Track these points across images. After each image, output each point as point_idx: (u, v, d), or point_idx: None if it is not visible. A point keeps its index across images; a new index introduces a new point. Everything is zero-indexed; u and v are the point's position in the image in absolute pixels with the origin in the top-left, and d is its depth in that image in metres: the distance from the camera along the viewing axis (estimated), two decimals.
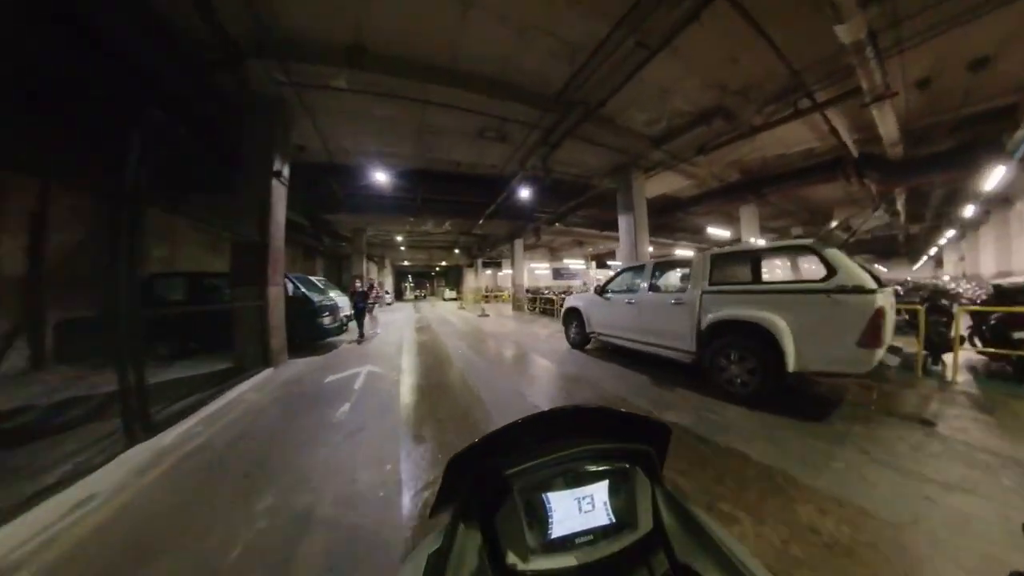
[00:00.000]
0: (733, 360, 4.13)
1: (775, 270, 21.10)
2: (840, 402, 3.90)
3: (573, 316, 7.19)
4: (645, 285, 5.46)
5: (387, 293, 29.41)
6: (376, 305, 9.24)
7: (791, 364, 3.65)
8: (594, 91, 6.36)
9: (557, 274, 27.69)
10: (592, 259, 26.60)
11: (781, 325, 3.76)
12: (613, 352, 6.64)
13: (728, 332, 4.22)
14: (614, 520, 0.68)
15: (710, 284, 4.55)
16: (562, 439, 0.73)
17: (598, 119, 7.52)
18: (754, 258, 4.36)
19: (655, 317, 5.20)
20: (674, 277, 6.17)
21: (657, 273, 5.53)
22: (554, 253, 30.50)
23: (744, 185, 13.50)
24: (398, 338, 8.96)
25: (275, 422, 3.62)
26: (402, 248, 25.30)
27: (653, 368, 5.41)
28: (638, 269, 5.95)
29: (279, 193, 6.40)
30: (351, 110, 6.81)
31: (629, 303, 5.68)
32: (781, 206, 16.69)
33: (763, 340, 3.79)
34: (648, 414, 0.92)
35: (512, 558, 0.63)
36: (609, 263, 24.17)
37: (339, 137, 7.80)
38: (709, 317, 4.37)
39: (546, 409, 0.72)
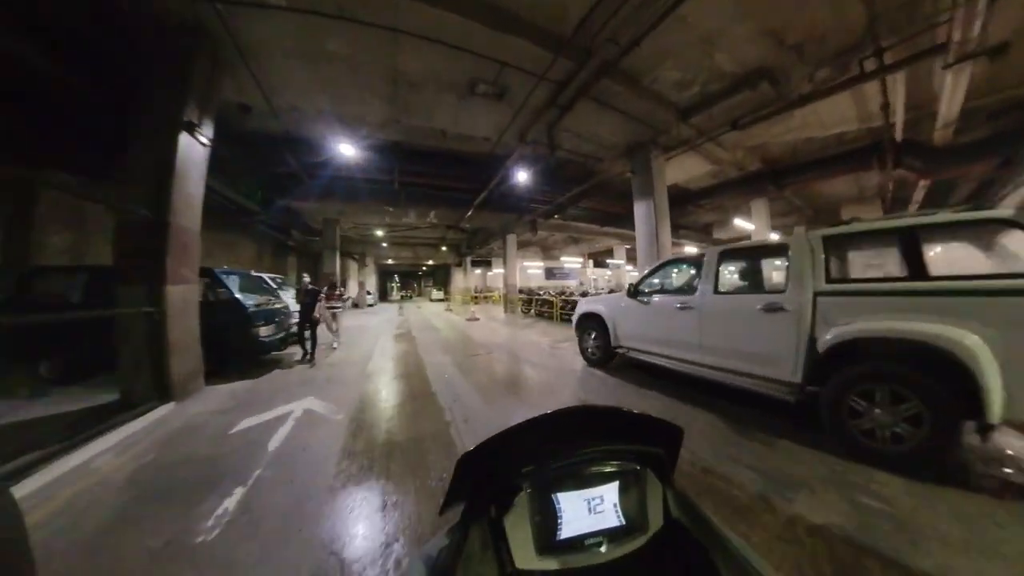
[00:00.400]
0: (878, 401, 2.56)
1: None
2: None
3: (591, 324, 5.55)
4: (708, 285, 3.85)
5: (369, 294, 27.39)
6: (339, 311, 7.39)
7: (995, 410, 2.16)
8: (621, 30, 4.75)
9: (550, 274, 26.11)
10: (588, 257, 25.11)
11: (977, 347, 2.21)
12: (648, 372, 5.01)
13: (867, 356, 2.65)
14: (624, 522, 0.67)
15: (827, 281, 2.98)
16: (572, 440, 0.71)
17: (621, 75, 5.93)
18: (906, 238, 2.74)
19: (730, 331, 3.60)
20: (736, 275, 4.60)
21: (727, 266, 3.93)
22: (547, 252, 28.92)
23: (765, 175, 12.18)
24: (367, 351, 7.17)
25: (80, 546, 1.86)
26: (384, 245, 23.36)
27: (720, 401, 3.79)
28: (693, 261, 4.33)
29: (193, 154, 4.58)
30: (297, 48, 5.04)
31: (682, 308, 4.06)
32: (792, 201, 15.42)
33: (938, 370, 2.33)
34: (659, 415, 0.73)
35: (521, 558, 0.61)
36: (609, 261, 22.70)
37: (286, 90, 5.98)
38: (832, 333, 2.80)
39: (555, 409, 0.69)
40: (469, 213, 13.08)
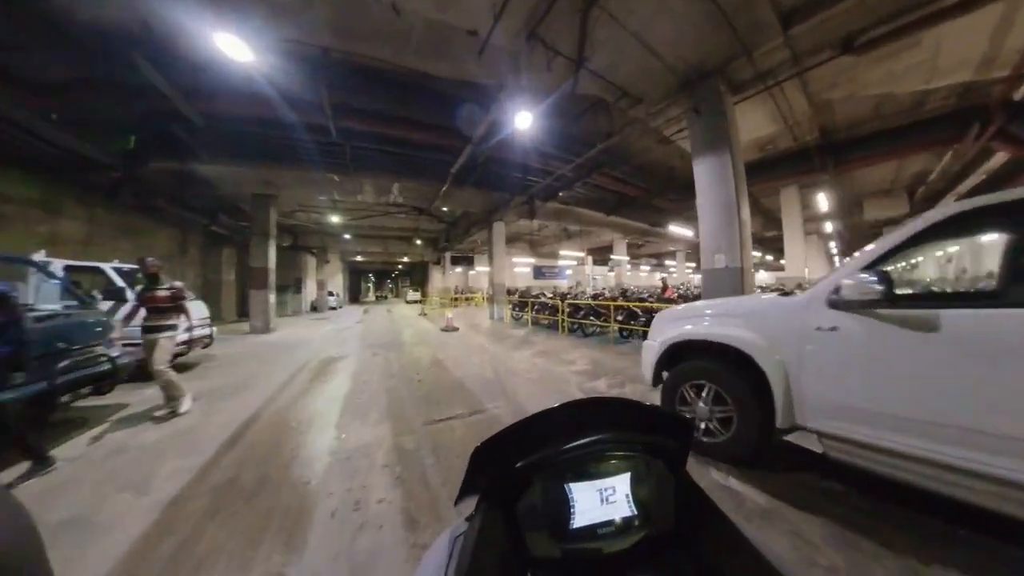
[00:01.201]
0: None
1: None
2: None
3: (708, 367, 2.43)
4: None
5: (332, 295, 23.63)
6: (176, 335, 3.81)
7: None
8: None
9: (539, 273, 22.95)
10: (588, 253, 22.06)
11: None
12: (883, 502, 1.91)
13: None
14: (636, 512, 0.67)
15: None
16: (584, 431, 0.70)
17: None
18: None
19: None
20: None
21: None
22: (536, 248, 25.84)
23: (821, 150, 9.59)
24: (240, 415, 3.78)
25: None
26: (347, 237, 19.74)
27: None
28: None
29: None
30: None
31: None
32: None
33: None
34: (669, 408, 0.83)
35: (536, 546, 0.63)
36: (613, 257, 19.71)
37: None
38: None
39: (565, 401, 0.69)
40: (445, 188, 9.82)
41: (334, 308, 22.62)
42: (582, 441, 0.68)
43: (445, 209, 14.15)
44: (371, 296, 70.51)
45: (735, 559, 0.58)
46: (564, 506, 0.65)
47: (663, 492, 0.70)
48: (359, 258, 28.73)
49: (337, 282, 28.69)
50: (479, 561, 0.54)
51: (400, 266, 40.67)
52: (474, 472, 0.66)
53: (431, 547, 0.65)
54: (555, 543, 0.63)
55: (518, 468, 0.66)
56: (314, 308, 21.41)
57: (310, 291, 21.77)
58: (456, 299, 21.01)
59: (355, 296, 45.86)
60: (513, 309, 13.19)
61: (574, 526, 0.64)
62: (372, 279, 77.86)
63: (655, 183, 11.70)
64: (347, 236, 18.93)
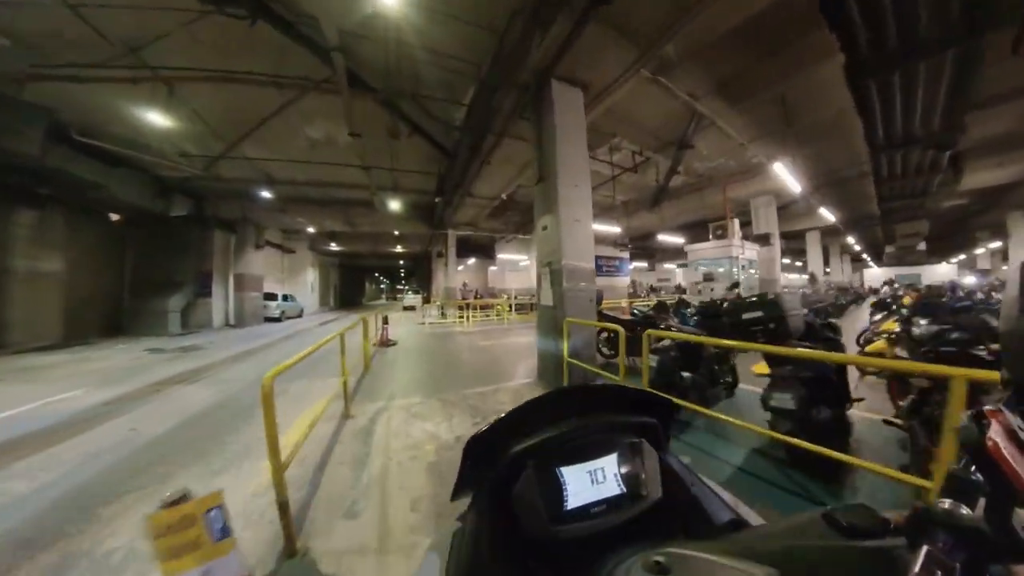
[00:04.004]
0: None
1: None
2: None
3: None
4: None
5: (285, 299, 15.61)
6: None
7: None
8: None
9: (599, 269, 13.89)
10: (730, 215, 10.94)
11: None
12: None
13: None
14: (625, 490, 0.70)
15: None
16: (573, 417, 0.75)
17: None
18: None
19: None
20: None
21: None
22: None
23: None
24: None
25: None
26: (266, 195, 11.43)
27: None
28: None
29: None
30: None
31: None
32: None
33: None
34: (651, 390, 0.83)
35: (531, 531, 0.65)
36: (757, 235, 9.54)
37: None
38: None
39: (554, 389, 0.74)
40: None
41: (276, 318, 14.46)
42: (571, 428, 0.72)
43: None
44: (383, 299, 62.60)
45: (713, 520, 0.66)
46: (557, 490, 0.66)
47: (649, 468, 0.72)
48: (333, 245, 20.60)
49: (304, 280, 20.70)
50: (479, 552, 0.58)
51: (401, 261, 32.64)
52: (468, 465, 0.67)
53: (430, 544, 0.72)
54: (550, 526, 0.64)
55: (511, 456, 0.67)
56: (231, 324, 13.22)
57: (182, 293, 13.35)
58: (467, 306, 12.45)
59: (351, 299, 37.95)
60: (601, 343, 4.75)
61: (567, 508, 0.66)
62: (383, 280, 70.12)
63: None
64: (265, 193, 10.62)
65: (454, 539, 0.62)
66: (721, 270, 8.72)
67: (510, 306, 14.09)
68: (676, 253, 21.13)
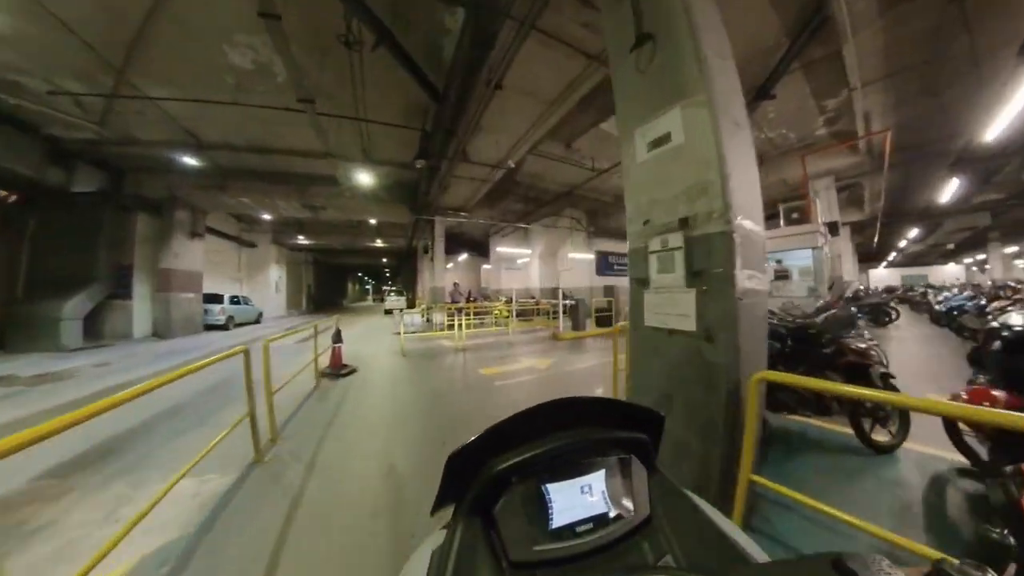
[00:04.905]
0: None
1: None
2: None
3: None
4: None
5: (235, 301, 12.87)
6: None
7: None
8: None
9: (606, 265, 10.86)
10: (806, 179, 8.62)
11: None
12: None
13: None
14: (612, 508, 0.67)
15: None
16: (559, 431, 0.70)
17: None
18: None
19: None
20: None
21: None
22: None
23: None
24: None
25: None
26: (192, 162, 8.82)
27: None
28: None
29: None
30: None
31: None
32: None
33: None
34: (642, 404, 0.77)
35: (515, 550, 0.61)
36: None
37: None
38: None
39: (541, 402, 0.68)
40: None
41: (221, 326, 11.70)
42: (558, 443, 0.68)
43: None
44: (369, 300, 59.21)
45: (701, 539, 0.62)
46: (542, 507, 0.64)
47: (637, 485, 0.70)
48: (301, 238, 17.84)
49: (266, 279, 17.87)
50: (460, 572, 0.54)
51: (385, 259, 29.85)
52: (450, 479, 0.65)
53: (409, 561, 0.65)
54: (535, 545, 0.61)
55: (495, 472, 0.64)
56: (156, 334, 10.42)
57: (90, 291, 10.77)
58: (453, 313, 9.95)
59: (329, 301, 34.72)
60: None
61: (553, 526, 0.63)
62: (368, 280, 66.65)
63: None
64: (191, 160, 7.96)
65: (434, 556, 0.59)
66: (800, 264, 6.48)
67: (507, 310, 11.66)
68: None
